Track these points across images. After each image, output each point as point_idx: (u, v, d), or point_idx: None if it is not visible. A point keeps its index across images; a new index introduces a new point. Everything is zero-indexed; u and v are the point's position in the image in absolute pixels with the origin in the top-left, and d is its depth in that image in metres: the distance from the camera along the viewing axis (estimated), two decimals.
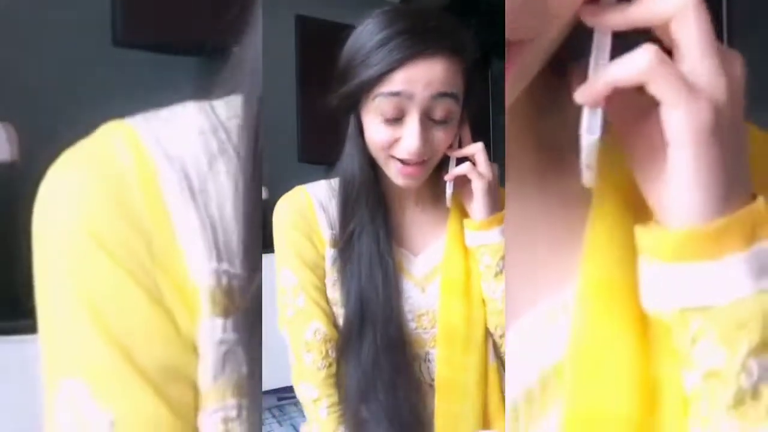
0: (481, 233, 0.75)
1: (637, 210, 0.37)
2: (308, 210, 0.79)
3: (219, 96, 0.41)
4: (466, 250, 0.78)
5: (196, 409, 0.36)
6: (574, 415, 0.37)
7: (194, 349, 0.36)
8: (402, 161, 0.70)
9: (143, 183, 0.36)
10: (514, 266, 0.43)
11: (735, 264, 0.32)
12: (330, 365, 0.77)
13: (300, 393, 0.79)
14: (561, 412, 0.38)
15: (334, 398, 0.76)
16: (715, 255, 0.33)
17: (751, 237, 0.33)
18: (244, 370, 0.36)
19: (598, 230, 0.40)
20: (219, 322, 0.36)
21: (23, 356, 0.39)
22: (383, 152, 0.72)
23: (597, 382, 0.37)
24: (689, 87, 0.32)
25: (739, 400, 0.32)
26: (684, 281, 0.33)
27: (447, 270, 0.78)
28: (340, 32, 0.76)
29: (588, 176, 0.37)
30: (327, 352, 0.76)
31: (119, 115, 0.43)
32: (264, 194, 0.63)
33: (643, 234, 0.35)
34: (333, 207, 0.79)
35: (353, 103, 0.72)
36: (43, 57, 1.83)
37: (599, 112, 0.35)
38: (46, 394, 0.35)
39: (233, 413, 0.36)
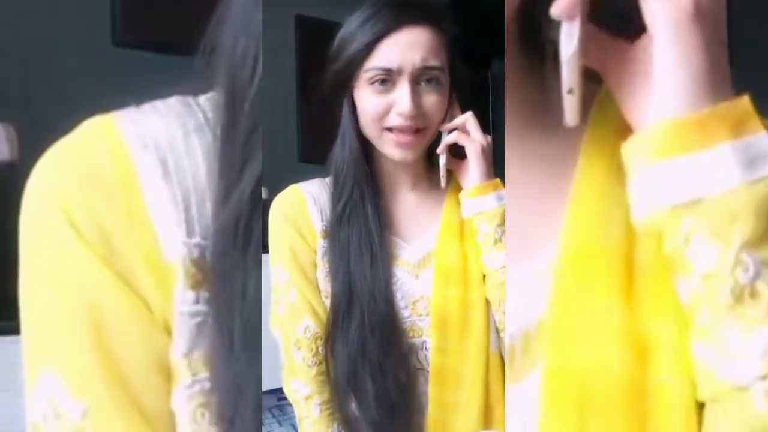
0: (477, 200, 0.76)
1: (624, 178, 0.38)
2: (299, 204, 0.80)
3: (198, 92, 0.41)
4: (462, 235, 0.78)
5: (170, 390, 0.37)
6: (552, 368, 0.38)
7: (168, 331, 0.37)
8: (396, 130, 0.72)
9: (116, 164, 0.37)
10: (514, 225, 0.44)
11: (723, 154, 0.32)
12: (320, 363, 0.76)
13: (291, 391, 0.78)
14: (541, 366, 0.39)
15: (326, 396, 0.76)
16: (702, 145, 0.33)
17: (737, 129, 0.33)
18: (218, 342, 0.36)
19: (583, 193, 0.40)
20: (191, 294, 0.37)
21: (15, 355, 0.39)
22: (377, 124, 0.73)
23: (577, 338, 0.38)
24: None
25: (737, 298, 0.32)
26: (673, 177, 0.33)
27: (441, 255, 0.78)
28: (339, 30, 0.77)
29: (570, 105, 0.37)
30: (317, 349, 0.76)
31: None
32: (264, 194, 0.64)
33: (630, 144, 0.36)
34: (325, 199, 0.80)
35: (345, 82, 0.75)
36: (43, 57, 1.83)
37: (576, 24, 0.35)
38: (27, 389, 0.36)
39: (207, 385, 0.36)
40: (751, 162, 0.32)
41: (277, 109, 2.36)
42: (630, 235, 0.38)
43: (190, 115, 0.40)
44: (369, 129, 0.75)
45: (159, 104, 0.41)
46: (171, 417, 0.37)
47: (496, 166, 0.78)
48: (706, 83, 0.33)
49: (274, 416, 2.08)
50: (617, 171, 0.39)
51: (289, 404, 0.81)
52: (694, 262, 0.33)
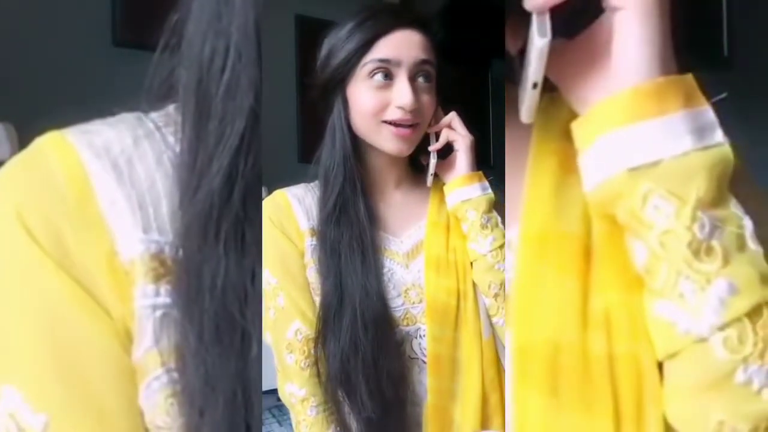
0: (463, 189, 0.79)
1: (575, 172, 0.40)
2: (284, 206, 0.81)
3: (151, 105, 0.42)
4: (448, 229, 0.81)
5: (135, 394, 0.37)
6: (519, 344, 0.40)
7: (128, 334, 0.37)
8: (395, 124, 0.74)
9: (69, 171, 0.38)
10: (514, 224, 0.46)
11: (678, 121, 0.35)
12: (313, 364, 0.76)
13: (286, 395, 0.78)
14: (509, 340, 0.41)
15: (321, 398, 0.76)
16: (658, 112, 0.35)
17: (688, 100, 0.36)
18: (187, 334, 0.36)
19: (537, 182, 0.43)
20: (151, 288, 0.37)
21: None
22: (374, 119, 0.75)
23: (538, 315, 0.40)
24: None
25: (695, 252, 0.34)
26: (631, 142, 0.36)
27: (430, 246, 0.80)
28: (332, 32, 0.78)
29: (530, 101, 0.39)
30: (309, 351, 0.76)
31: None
32: (264, 194, 0.64)
33: (582, 120, 0.38)
34: (310, 200, 0.81)
35: (339, 82, 0.77)
36: (42, 57, 1.83)
37: (547, 17, 0.37)
38: None
39: (176, 375, 0.37)
40: (701, 130, 0.35)
41: (277, 109, 2.36)
42: (583, 218, 0.41)
43: (139, 125, 0.41)
44: (365, 123, 0.76)
45: (108, 119, 0.42)
46: (136, 422, 0.37)
47: (496, 165, 0.79)
48: (663, 57, 0.36)
49: (274, 416, 2.08)
50: (567, 168, 0.42)
51: None
52: (652, 221, 0.35)
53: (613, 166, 0.36)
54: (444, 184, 0.82)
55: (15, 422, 0.35)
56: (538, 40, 0.36)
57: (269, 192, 0.86)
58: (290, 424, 0.78)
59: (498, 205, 0.79)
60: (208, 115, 0.37)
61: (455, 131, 0.81)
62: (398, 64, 0.74)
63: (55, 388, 0.35)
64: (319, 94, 0.80)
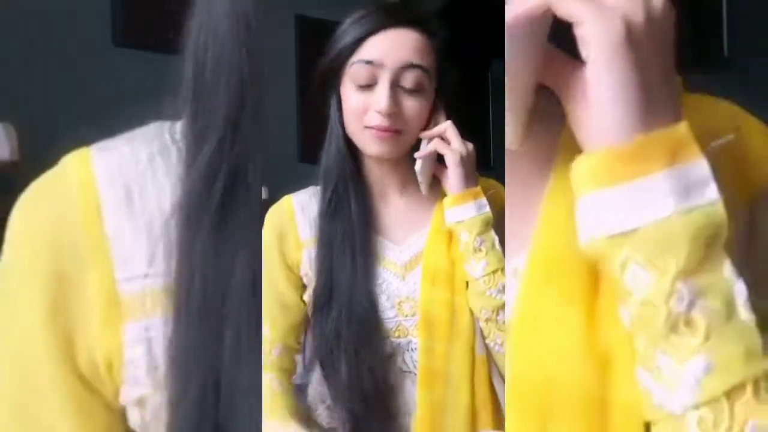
0: (456, 209, 0.76)
1: None
2: (288, 216, 0.82)
3: (170, 105, 0.42)
4: (450, 240, 0.78)
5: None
6: (516, 376, 0.38)
7: (109, 368, 0.38)
8: (375, 128, 0.73)
9: (83, 196, 0.39)
10: (514, 224, 0.44)
11: (657, 183, 0.32)
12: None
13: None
14: (507, 372, 0.39)
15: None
16: (634, 175, 0.32)
17: (673, 157, 0.32)
18: (174, 315, 0.36)
19: (554, 204, 0.41)
20: (156, 320, 0.37)
21: None
22: (358, 122, 0.74)
23: (537, 346, 0.38)
24: (597, 4, 0.33)
25: (672, 327, 0.32)
26: (608, 206, 0.33)
27: (429, 256, 0.78)
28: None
29: (509, 122, 0.37)
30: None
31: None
32: (264, 194, 0.64)
33: (573, 169, 0.36)
34: (314, 206, 0.81)
35: (332, 79, 0.77)
36: (43, 57, 1.83)
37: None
38: None
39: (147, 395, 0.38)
40: (686, 190, 0.32)
41: (277, 109, 2.36)
42: None
43: (156, 138, 0.41)
44: (351, 125, 0.76)
45: (136, 132, 0.43)
46: None
47: (496, 166, 0.79)
48: (641, 110, 0.33)
49: None
50: None
51: None
52: (631, 288, 0.33)
53: (592, 229, 0.34)
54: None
55: None
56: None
57: (269, 192, 0.86)
58: None
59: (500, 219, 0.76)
60: (201, 103, 0.37)
61: (447, 143, 0.76)
62: (381, 66, 0.72)
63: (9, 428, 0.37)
64: (317, 89, 0.80)
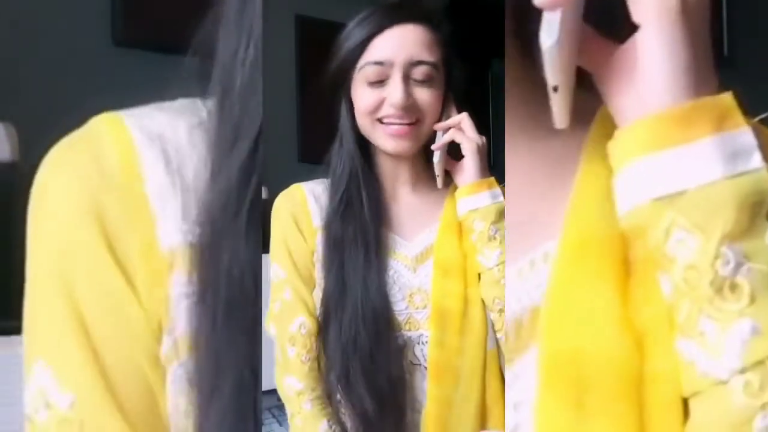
0: (471, 197, 0.77)
1: None
2: (301, 202, 0.81)
3: (176, 97, 0.43)
4: (461, 233, 0.79)
5: (159, 381, 0.38)
6: (550, 354, 0.38)
7: (159, 324, 0.38)
8: (388, 122, 0.74)
9: (122, 155, 0.39)
10: (513, 216, 0.44)
11: (705, 148, 0.32)
12: (314, 359, 0.77)
13: (284, 388, 0.78)
14: (539, 348, 0.39)
15: (318, 392, 0.76)
16: (685, 139, 0.33)
17: (720, 124, 0.33)
18: (203, 320, 0.37)
19: (586, 184, 0.41)
20: (185, 276, 0.38)
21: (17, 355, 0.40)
22: (370, 117, 0.75)
23: (573, 323, 0.38)
24: None
25: (717, 290, 0.32)
26: (655, 171, 0.33)
27: (440, 249, 0.78)
28: (340, 32, 0.78)
29: (557, 105, 0.37)
30: (311, 346, 0.76)
31: None
32: (264, 194, 0.64)
33: (614, 141, 0.36)
34: (326, 198, 0.81)
35: (342, 82, 0.77)
36: (43, 57, 1.83)
37: (557, 18, 0.34)
38: (25, 377, 0.37)
39: (191, 366, 0.38)
40: (732, 156, 0.32)
41: (277, 109, 2.36)
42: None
43: (193, 113, 0.41)
44: (363, 122, 0.77)
45: (165, 104, 0.43)
46: (158, 410, 0.38)
47: (496, 165, 0.78)
48: (691, 78, 0.33)
49: (274, 416, 2.08)
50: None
51: None
52: (675, 254, 0.33)
53: (637, 196, 0.34)
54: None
55: (43, 398, 0.36)
56: (545, 41, 0.34)
57: (269, 192, 0.86)
58: (290, 424, 0.79)
59: None
60: (231, 107, 0.38)
61: (463, 133, 0.78)
62: (391, 64, 0.73)
63: (83, 370, 0.36)
64: (328, 92, 0.80)
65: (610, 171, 0.39)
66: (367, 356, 0.72)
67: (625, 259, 0.38)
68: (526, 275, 0.43)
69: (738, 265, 0.32)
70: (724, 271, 0.32)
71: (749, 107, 0.43)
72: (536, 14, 0.36)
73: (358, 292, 0.74)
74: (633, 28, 0.35)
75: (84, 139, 0.40)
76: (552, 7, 0.34)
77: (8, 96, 1.64)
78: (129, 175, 0.38)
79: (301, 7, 2.45)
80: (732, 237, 0.32)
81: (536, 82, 0.41)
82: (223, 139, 0.38)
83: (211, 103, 0.40)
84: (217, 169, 0.38)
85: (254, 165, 0.37)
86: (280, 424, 2.00)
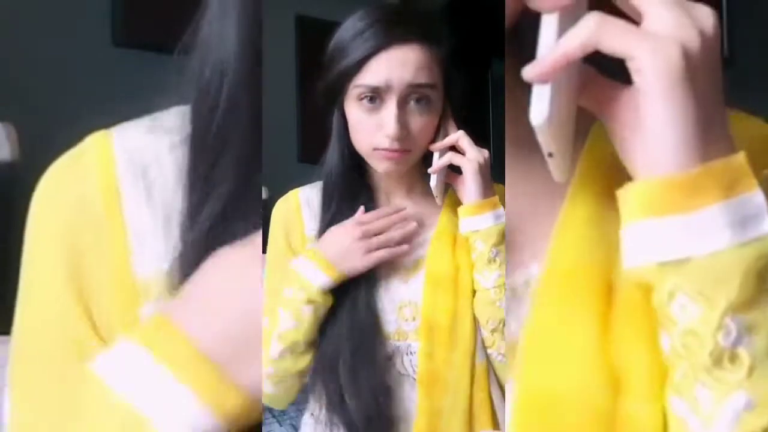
0: (473, 218, 0.75)
1: (613, 201, 0.37)
2: (294, 208, 0.82)
3: (164, 106, 0.43)
4: (455, 245, 0.77)
5: None
6: (525, 392, 0.38)
7: None
8: (384, 150, 0.72)
9: (102, 179, 0.40)
10: (514, 227, 0.44)
11: (713, 215, 0.31)
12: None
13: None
14: (514, 388, 0.38)
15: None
16: (691, 206, 0.31)
17: (730, 188, 0.32)
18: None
19: (572, 215, 0.40)
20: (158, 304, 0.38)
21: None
22: (366, 142, 0.74)
23: (551, 360, 0.37)
24: (651, 35, 0.31)
25: (716, 361, 0.31)
26: (661, 235, 0.32)
27: (433, 262, 0.77)
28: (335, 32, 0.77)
29: (554, 167, 0.35)
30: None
31: (119, 115, 0.43)
32: (264, 194, 0.64)
33: (623, 193, 0.35)
34: (318, 202, 0.80)
35: (336, 95, 0.75)
36: (42, 57, 1.83)
37: (547, 91, 0.32)
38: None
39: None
40: (742, 222, 0.31)
41: (277, 109, 2.36)
42: (614, 261, 0.37)
43: (180, 128, 0.41)
44: (359, 145, 0.76)
45: (157, 117, 0.43)
46: None
47: (495, 166, 0.78)
48: (699, 140, 0.32)
49: (274, 416, 2.08)
50: (607, 196, 0.38)
51: (290, 404, 0.81)
52: (677, 318, 0.32)
53: (643, 256, 0.33)
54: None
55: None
56: (534, 118, 0.32)
57: (269, 192, 0.86)
58: (290, 424, 0.78)
59: None
60: (206, 135, 0.37)
61: (462, 153, 0.76)
62: (388, 88, 0.70)
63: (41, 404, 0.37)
64: (322, 101, 0.79)
65: (599, 198, 0.39)
66: (355, 367, 0.72)
67: (609, 293, 0.37)
68: (521, 295, 0.42)
69: (740, 337, 0.31)
70: (726, 342, 0.31)
71: (749, 107, 0.42)
72: (536, 14, 0.35)
73: (348, 300, 0.74)
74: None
75: (73, 161, 0.41)
76: (543, 81, 0.32)
77: (8, 96, 1.64)
78: (108, 200, 0.39)
79: (301, 7, 2.45)
80: (736, 308, 0.31)
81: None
82: (200, 177, 0.37)
83: (206, 106, 0.40)
84: (194, 212, 0.37)
85: (254, 165, 0.37)
86: (280, 425, 2.00)
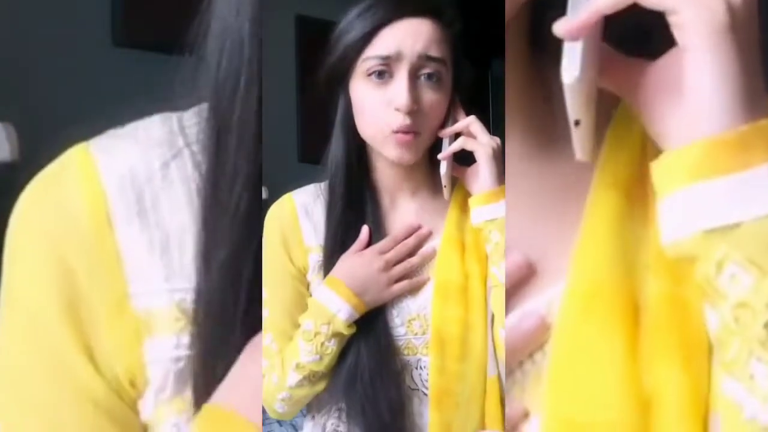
0: (488, 207, 0.71)
1: (639, 209, 0.36)
2: (290, 216, 0.78)
3: (183, 107, 0.40)
4: (463, 250, 0.74)
5: None
6: (554, 420, 0.36)
7: (132, 383, 0.36)
8: (395, 132, 0.69)
9: (90, 202, 0.36)
10: (513, 227, 0.43)
11: (762, 176, 0.30)
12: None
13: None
14: (542, 416, 0.37)
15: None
16: (740, 166, 0.30)
17: None
18: (201, 379, 0.35)
19: (594, 229, 0.38)
20: (172, 339, 0.36)
21: None
22: (374, 125, 0.70)
23: (579, 387, 0.36)
24: None
25: None
26: (707, 200, 0.30)
27: (441, 270, 0.74)
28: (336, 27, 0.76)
29: (578, 139, 0.34)
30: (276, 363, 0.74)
31: (119, 114, 0.43)
32: (264, 194, 0.63)
33: (661, 164, 0.33)
34: (318, 210, 0.77)
35: (342, 76, 0.72)
36: (43, 57, 1.83)
37: (579, 49, 0.31)
38: None
39: (183, 423, 0.36)
40: None
41: (277, 109, 2.36)
42: (641, 277, 0.36)
43: (169, 141, 0.39)
44: (368, 130, 0.72)
45: (141, 128, 0.40)
46: None
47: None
48: (745, 98, 0.30)
49: None
50: (630, 205, 0.36)
51: None
52: (727, 290, 0.31)
53: (687, 226, 0.31)
54: (468, 193, 0.75)
55: None
56: (567, 76, 0.31)
57: (269, 192, 0.85)
58: (290, 424, 0.78)
59: None
60: (230, 107, 0.36)
61: (474, 138, 0.73)
62: (399, 59, 0.67)
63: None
64: (324, 88, 0.76)
65: (621, 208, 0.37)
66: (368, 383, 0.70)
67: (636, 312, 0.36)
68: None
69: None
70: None
71: None
72: (536, 13, 0.35)
73: (362, 327, 0.73)
74: (665, 42, 0.33)
75: (53, 181, 0.37)
76: (575, 37, 0.31)
77: (8, 96, 1.64)
78: (98, 226, 0.36)
79: (301, 7, 2.44)
80: None
81: (538, 82, 0.40)
82: (222, 143, 0.36)
83: (205, 106, 0.39)
84: (212, 249, 0.35)
85: (254, 165, 0.36)
86: (280, 425, 2.00)
